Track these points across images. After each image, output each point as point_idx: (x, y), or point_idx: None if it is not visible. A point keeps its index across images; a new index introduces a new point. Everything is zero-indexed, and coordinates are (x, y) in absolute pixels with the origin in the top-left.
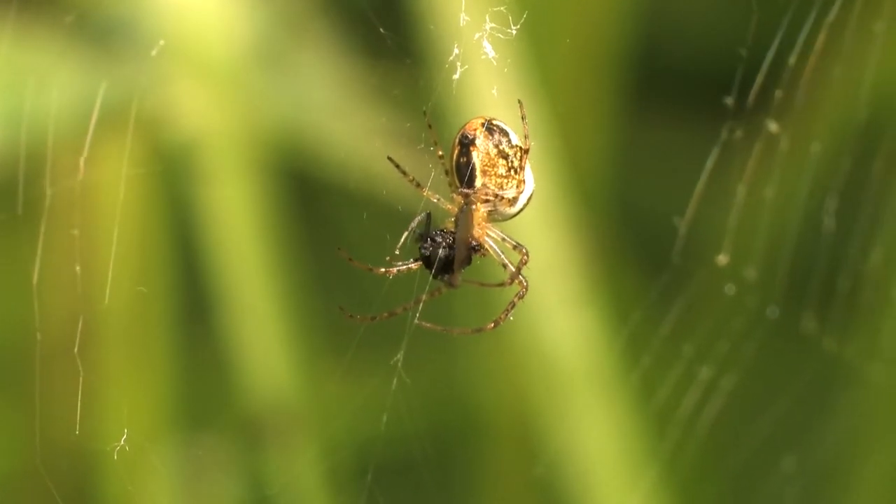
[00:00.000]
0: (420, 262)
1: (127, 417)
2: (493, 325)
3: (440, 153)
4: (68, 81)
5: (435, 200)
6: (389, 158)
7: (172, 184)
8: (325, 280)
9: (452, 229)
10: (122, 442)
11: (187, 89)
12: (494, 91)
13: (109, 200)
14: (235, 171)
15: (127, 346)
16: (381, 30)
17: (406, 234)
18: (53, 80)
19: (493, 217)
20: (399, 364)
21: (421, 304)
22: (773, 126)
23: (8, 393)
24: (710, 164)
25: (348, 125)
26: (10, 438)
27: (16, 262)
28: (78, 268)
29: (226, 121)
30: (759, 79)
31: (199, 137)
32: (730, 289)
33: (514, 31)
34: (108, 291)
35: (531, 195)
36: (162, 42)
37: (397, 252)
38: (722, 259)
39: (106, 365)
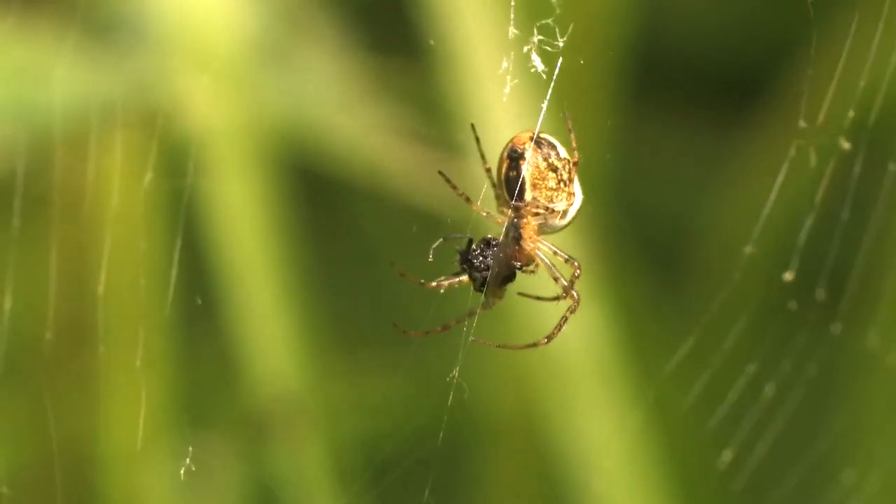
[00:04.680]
0: (468, 277)
1: (131, 416)
2: (546, 340)
3: (487, 166)
4: (72, 76)
5: (484, 215)
6: (440, 173)
7: (177, 179)
8: (331, 275)
9: (501, 243)
10: (187, 461)
11: (192, 84)
12: (543, 104)
13: (114, 196)
14: (240, 166)
15: (131, 343)
16: (384, 23)
17: (436, 244)
18: (57, 74)
19: (543, 230)
20: (455, 379)
21: (475, 318)
22: (845, 144)
23: (14, 391)
24: (780, 179)
25: (354, 120)
26: (17, 436)
27: (17, 260)
28: (81, 263)
29: (231, 116)
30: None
31: (203, 132)
32: (793, 305)
33: (561, 44)
34: (111, 288)
35: (580, 207)
36: (166, 37)
37: (430, 258)
38: (788, 276)
39: (109, 364)
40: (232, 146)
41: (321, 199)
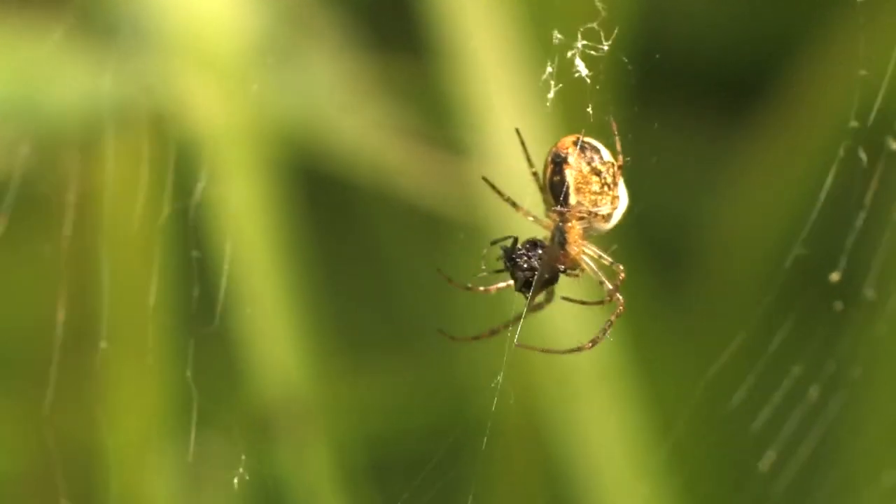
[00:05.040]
0: (511, 276)
1: (136, 415)
2: (590, 344)
3: (534, 170)
4: (75, 77)
5: (531, 220)
6: (484, 178)
7: (180, 179)
8: (335, 275)
9: (547, 247)
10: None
11: (195, 85)
12: (589, 109)
13: (117, 197)
14: (244, 166)
15: (135, 343)
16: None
17: (486, 251)
18: (60, 75)
19: (588, 233)
20: (499, 386)
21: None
22: (893, 145)
23: (17, 391)
24: (829, 181)
25: (358, 120)
26: (18, 436)
27: (21, 259)
28: (85, 264)
29: (234, 117)
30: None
31: (207, 133)
32: (838, 305)
33: (606, 48)
34: (115, 289)
35: (625, 210)
36: (168, 38)
37: (483, 268)
38: (834, 276)
39: (114, 364)
40: (236, 147)
41: (325, 199)
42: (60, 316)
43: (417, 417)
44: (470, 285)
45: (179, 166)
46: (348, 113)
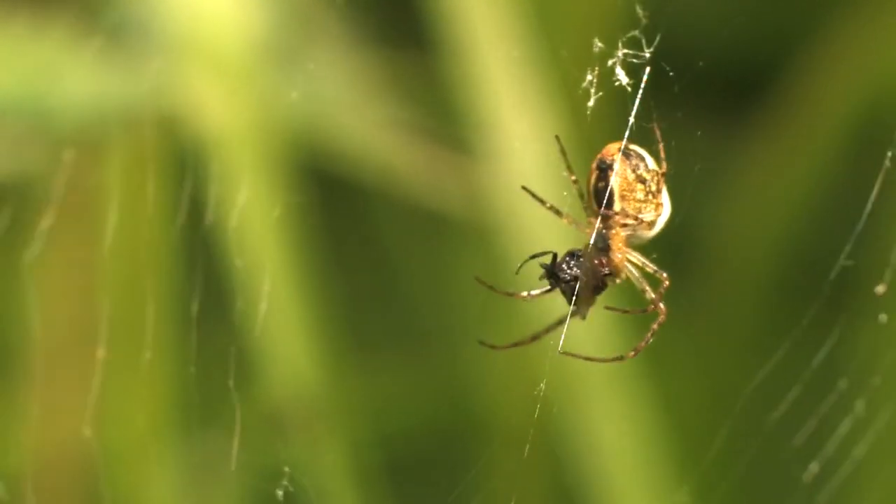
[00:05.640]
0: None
1: (144, 416)
2: (633, 353)
3: (574, 178)
4: (83, 78)
5: (574, 227)
6: (524, 188)
7: (189, 180)
8: (344, 275)
9: (588, 253)
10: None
11: (204, 86)
12: (631, 118)
13: (123, 198)
14: (253, 165)
15: (138, 344)
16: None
17: (524, 262)
18: (68, 76)
19: (631, 240)
20: (542, 394)
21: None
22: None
23: (20, 391)
24: (875, 191)
25: (365, 119)
26: (15, 436)
27: (24, 261)
28: (91, 264)
29: (241, 117)
30: None
31: (214, 134)
32: (882, 318)
33: (648, 55)
34: (120, 289)
35: (668, 218)
36: (176, 39)
37: (517, 274)
38: (880, 289)
39: (119, 365)
40: (244, 147)
41: (335, 199)
42: (65, 314)
43: (424, 416)
44: (511, 292)
45: (187, 166)
46: (356, 112)
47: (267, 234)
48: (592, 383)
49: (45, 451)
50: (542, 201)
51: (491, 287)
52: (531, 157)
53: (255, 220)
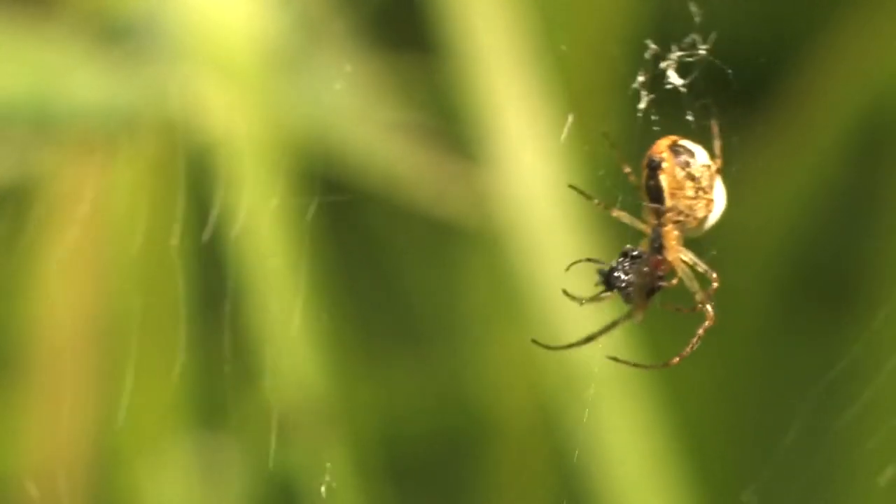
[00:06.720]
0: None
1: (149, 415)
2: (678, 358)
3: (628, 170)
4: (90, 83)
5: (627, 222)
6: (571, 186)
7: (195, 185)
8: (350, 279)
9: (644, 253)
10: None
11: (210, 91)
12: (690, 116)
13: (130, 202)
14: (260, 171)
15: (150, 347)
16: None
17: (572, 263)
18: (76, 81)
19: (680, 238)
20: (591, 399)
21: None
22: None
23: (22, 391)
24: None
25: (371, 124)
26: (19, 435)
27: (30, 260)
28: (95, 265)
29: (249, 122)
30: None
31: (221, 139)
32: None
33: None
34: (123, 290)
35: (721, 213)
36: (182, 44)
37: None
38: None
39: (124, 366)
40: (251, 152)
41: (340, 203)
42: (69, 315)
43: (430, 420)
44: (581, 298)
45: (193, 171)
46: (362, 117)
47: (273, 239)
48: (600, 387)
49: (46, 452)
50: (589, 198)
51: (565, 292)
52: (538, 163)
53: (261, 224)
